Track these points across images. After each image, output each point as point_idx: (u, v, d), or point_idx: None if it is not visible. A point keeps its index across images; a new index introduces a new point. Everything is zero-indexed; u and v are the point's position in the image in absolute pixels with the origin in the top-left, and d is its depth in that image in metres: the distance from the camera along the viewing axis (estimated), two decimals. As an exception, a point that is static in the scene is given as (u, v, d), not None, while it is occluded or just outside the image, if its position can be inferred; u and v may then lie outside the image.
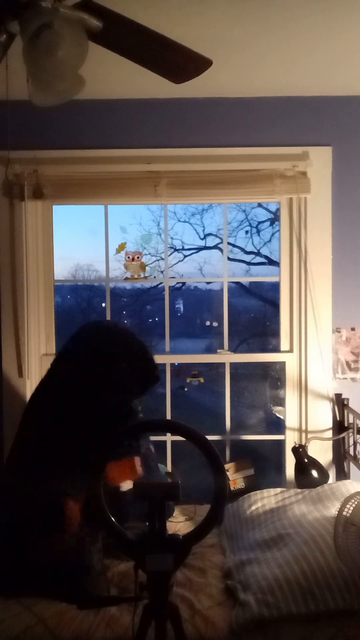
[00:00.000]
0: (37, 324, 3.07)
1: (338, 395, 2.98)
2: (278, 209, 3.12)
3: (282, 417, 3.17)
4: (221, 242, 4.22)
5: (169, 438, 3.15)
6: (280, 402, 3.26)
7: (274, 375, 4.12)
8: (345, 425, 2.93)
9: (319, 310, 2.99)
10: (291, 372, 3.06)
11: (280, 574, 1.96)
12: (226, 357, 3.17)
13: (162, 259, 3.67)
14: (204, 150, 2.97)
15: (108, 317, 3.24)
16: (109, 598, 1.99)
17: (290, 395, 3.07)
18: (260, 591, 1.92)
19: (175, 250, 4.78)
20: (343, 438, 2.93)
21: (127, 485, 2.17)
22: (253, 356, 3.56)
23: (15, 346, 2.99)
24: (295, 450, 2.82)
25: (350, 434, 2.88)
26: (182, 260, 4.80)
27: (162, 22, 1.81)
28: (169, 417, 3.17)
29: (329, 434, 2.99)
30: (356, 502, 1.95)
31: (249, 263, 4.69)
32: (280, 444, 3.15)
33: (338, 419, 2.97)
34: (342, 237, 2.99)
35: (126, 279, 3.23)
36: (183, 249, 4.80)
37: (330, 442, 2.98)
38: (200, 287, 5.13)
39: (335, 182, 2.98)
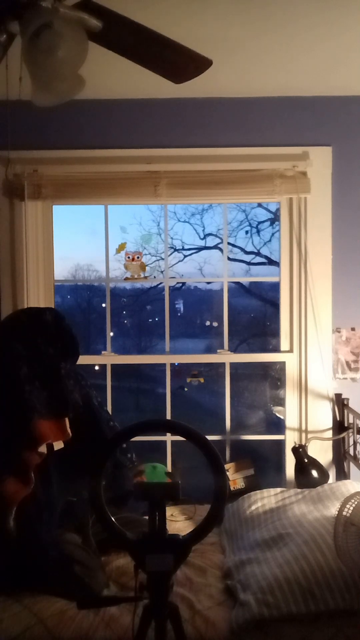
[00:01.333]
0: (37, 324, 3.06)
1: (338, 395, 2.98)
2: (278, 209, 3.12)
3: (282, 417, 3.16)
4: (221, 242, 4.21)
5: (169, 438, 3.15)
6: (280, 402, 3.26)
7: (274, 375, 4.12)
8: (345, 425, 2.93)
9: (319, 310, 2.99)
10: (291, 372, 3.06)
11: (280, 574, 1.96)
12: (226, 357, 3.17)
13: (162, 259, 3.67)
14: (204, 150, 2.97)
15: (108, 318, 3.24)
16: (108, 598, 1.99)
17: (290, 395, 3.07)
18: (260, 591, 1.92)
19: (175, 250, 4.78)
20: (343, 438, 2.93)
21: (58, 445, 2.19)
22: (253, 356, 3.56)
23: (15, 346, 2.99)
24: (295, 450, 2.82)
25: (350, 434, 2.88)
26: (182, 260, 4.80)
27: (162, 22, 1.81)
28: (169, 417, 3.17)
29: (329, 434, 2.99)
30: (356, 502, 1.95)
31: (249, 263, 4.69)
32: (280, 444, 3.15)
33: (338, 419, 2.97)
34: (342, 237, 2.99)
35: (126, 279, 3.23)
36: (183, 249, 4.80)
37: (330, 442, 2.98)
38: (200, 287, 5.13)
39: (335, 182, 2.98)
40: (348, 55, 2.53)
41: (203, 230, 4.86)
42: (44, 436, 2.11)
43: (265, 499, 2.61)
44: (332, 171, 2.97)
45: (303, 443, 2.87)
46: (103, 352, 3.18)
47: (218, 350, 3.21)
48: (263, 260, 4.68)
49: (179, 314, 5.26)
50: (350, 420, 2.89)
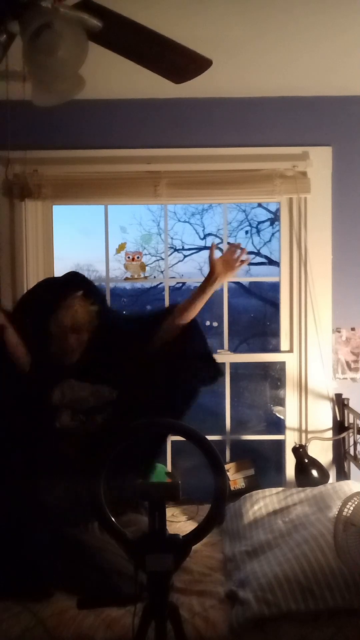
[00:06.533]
0: (37, 324, 3.06)
1: (338, 395, 2.98)
2: (278, 209, 3.12)
3: (282, 417, 3.16)
4: (221, 242, 4.21)
5: (169, 438, 3.14)
6: (280, 402, 3.26)
7: (274, 375, 4.12)
8: (346, 425, 2.93)
9: (319, 310, 2.98)
10: (291, 372, 3.06)
11: (280, 572, 1.96)
12: (226, 357, 3.16)
13: (162, 259, 3.68)
14: (204, 150, 2.97)
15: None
16: (108, 598, 1.99)
17: (290, 395, 3.07)
18: (260, 589, 1.92)
19: (175, 250, 4.79)
20: (343, 438, 2.93)
21: None
22: (253, 356, 3.56)
23: (15, 346, 2.98)
24: (295, 450, 2.82)
25: (351, 434, 2.88)
26: (182, 260, 4.81)
27: (162, 22, 1.81)
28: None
29: (329, 434, 2.99)
30: (356, 502, 1.95)
31: (249, 263, 4.69)
32: (280, 444, 3.15)
33: (338, 419, 2.97)
34: (342, 237, 2.99)
35: (126, 279, 3.23)
36: (183, 249, 4.81)
37: (331, 442, 2.98)
38: (200, 287, 5.11)
39: (335, 182, 2.98)
40: (348, 55, 2.53)
41: (203, 230, 4.87)
42: None
43: (266, 499, 2.61)
44: (332, 171, 2.97)
45: (303, 443, 2.87)
46: (103, 352, 3.18)
47: (218, 350, 3.21)
48: (263, 260, 4.69)
49: (179, 314, 5.25)
50: (351, 420, 2.89)
